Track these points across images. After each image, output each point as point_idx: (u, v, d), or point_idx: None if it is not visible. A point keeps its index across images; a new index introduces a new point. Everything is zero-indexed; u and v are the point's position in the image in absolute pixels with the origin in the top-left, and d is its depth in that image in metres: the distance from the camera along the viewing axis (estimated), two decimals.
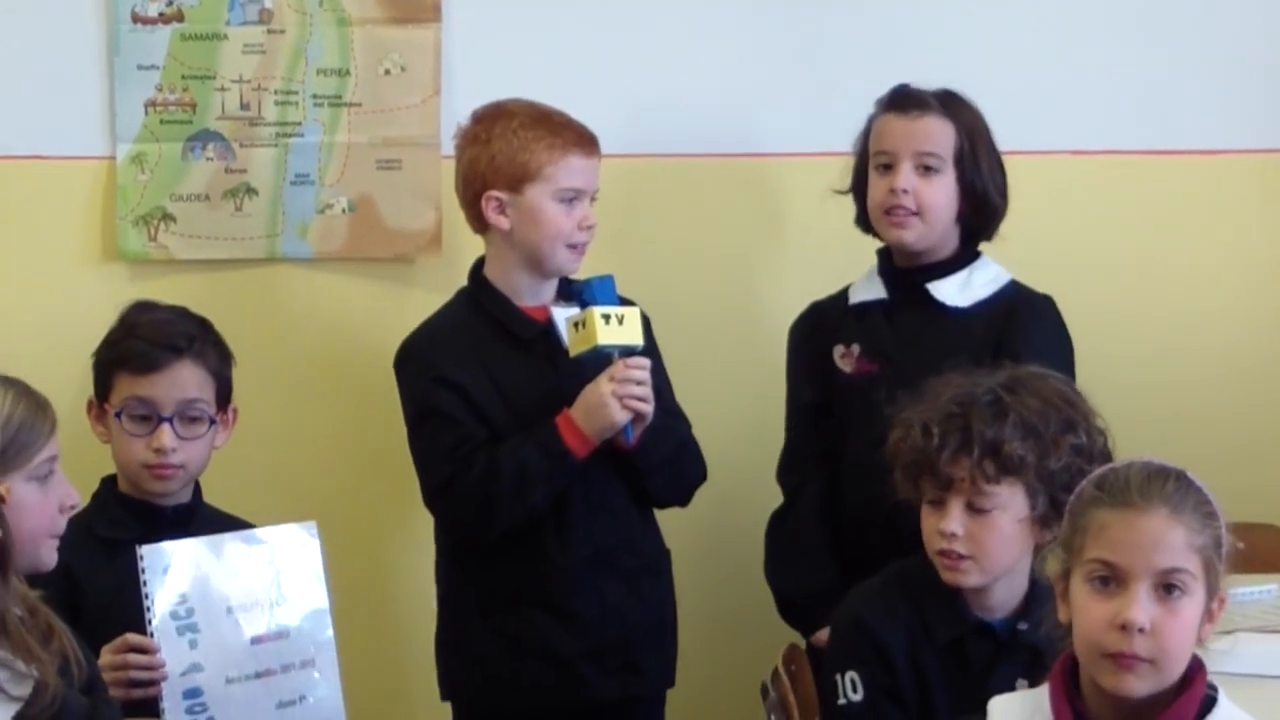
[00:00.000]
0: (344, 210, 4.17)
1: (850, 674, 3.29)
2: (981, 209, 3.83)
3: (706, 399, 4.01)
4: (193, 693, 3.33)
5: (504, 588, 3.70)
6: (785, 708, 3.48)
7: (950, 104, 3.82)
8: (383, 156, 4.15)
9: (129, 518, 3.56)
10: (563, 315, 3.71)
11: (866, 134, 3.88)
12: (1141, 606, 2.69)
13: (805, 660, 3.60)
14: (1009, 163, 3.86)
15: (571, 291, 3.74)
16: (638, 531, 3.78)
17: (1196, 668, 2.74)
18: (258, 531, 3.51)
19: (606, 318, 3.61)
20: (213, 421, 3.59)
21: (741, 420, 4.21)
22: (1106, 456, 3.23)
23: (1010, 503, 3.23)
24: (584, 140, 3.73)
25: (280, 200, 4.15)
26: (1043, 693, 2.81)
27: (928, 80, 3.85)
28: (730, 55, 4.24)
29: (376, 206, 4.17)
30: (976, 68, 4.07)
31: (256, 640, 3.41)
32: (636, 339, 3.64)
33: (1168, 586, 2.70)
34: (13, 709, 2.55)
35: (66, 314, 4.04)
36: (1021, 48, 4.28)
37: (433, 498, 3.73)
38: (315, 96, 4.15)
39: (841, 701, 3.29)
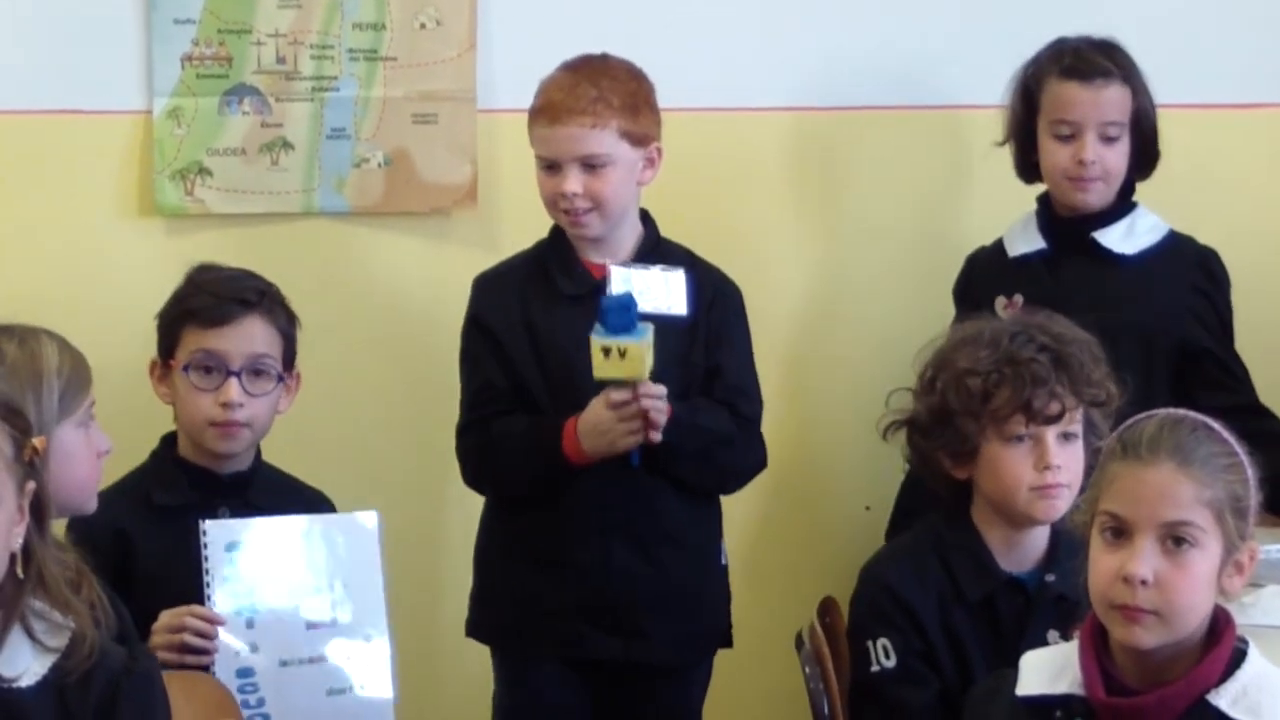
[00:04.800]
0: (380, 164, 4.17)
1: (881, 640, 3.28)
2: (1149, 163, 3.95)
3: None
4: (245, 672, 3.33)
5: (519, 538, 3.71)
6: (819, 659, 3.49)
7: (1123, 64, 3.89)
8: (418, 111, 4.15)
9: (185, 484, 3.53)
10: (621, 275, 3.63)
11: (1028, 89, 3.94)
12: (1144, 559, 2.69)
13: (840, 613, 3.61)
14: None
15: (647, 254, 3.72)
16: (660, 499, 3.71)
17: (1225, 621, 2.74)
18: (319, 518, 3.49)
19: (606, 351, 3.51)
20: (280, 379, 3.57)
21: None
22: None
23: (1081, 430, 3.27)
24: (552, 108, 3.64)
25: (316, 154, 4.15)
26: (1073, 648, 2.81)
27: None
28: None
29: (412, 160, 4.17)
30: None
31: (312, 626, 3.39)
32: (636, 372, 3.52)
33: (1176, 539, 2.70)
34: (50, 660, 2.57)
35: (104, 268, 4.06)
36: None
37: (456, 437, 3.76)
38: (351, 50, 4.15)
39: (875, 669, 3.28)
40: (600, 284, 3.67)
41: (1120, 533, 2.73)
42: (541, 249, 3.78)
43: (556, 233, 3.76)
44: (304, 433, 4.06)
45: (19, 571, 2.57)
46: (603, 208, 3.66)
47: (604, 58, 3.74)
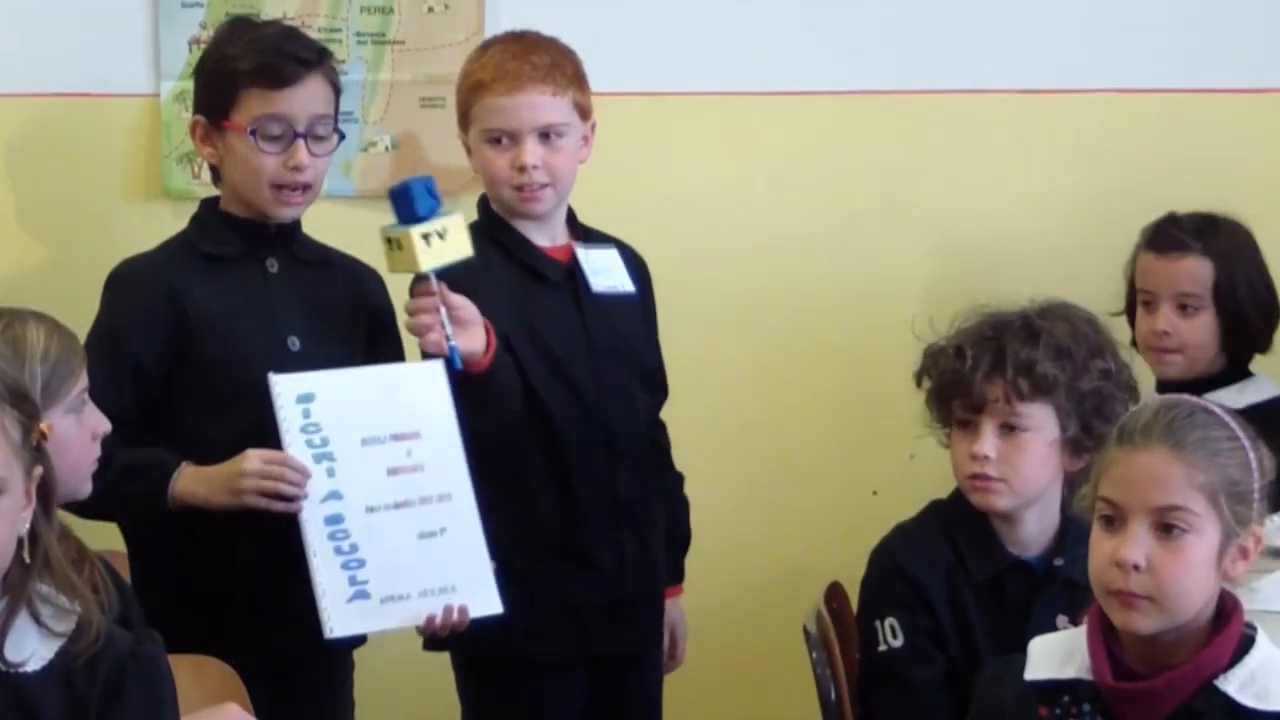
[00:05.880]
0: (387, 148, 4.18)
1: (889, 620, 3.31)
2: (1242, 333, 3.94)
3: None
4: (334, 519, 3.30)
5: (522, 531, 3.56)
6: (826, 645, 3.49)
7: (1208, 237, 3.92)
8: (426, 94, 4.15)
9: (232, 235, 3.50)
10: (583, 255, 3.64)
11: (1134, 263, 4.01)
12: (1136, 544, 2.70)
13: (847, 599, 3.61)
14: None
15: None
16: (650, 485, 3.71)
17: (1233, 607, 2.74)
18: (387, 368, 3.45)
19: (389, 241, 3.41)
20: (342, 137, 3.56)
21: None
22: (1132, 387, 3.30)
23: (1042, 424, 3.28)
24: (504, 75, 3.56)
25: None
26: (1081, 633, 2.81)
27: None
28: None
29: (420, 144, 4.17)
30: None
31: (393, 471, 3.35)
32: (410, 265, 3.40)
33: (1167, 525, 2.70)
34: (56, 644, 2.57)
35: (111, 251, 4.02)
36: None
37: None
38: (359, 34, 4.16)
39: (882, 648, 3.31)
40: (570, 268, 3.64)
41: (1115, 518, 2.74)
42: (492, 238, 3.63)
43: (494, 217, 3.66)
44: None
45: (25, 556, 2.57)
46: (558, 182, 3.60)
47: (533, 31, 3.68)
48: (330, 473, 3.31)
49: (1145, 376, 3.87)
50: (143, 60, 4.10)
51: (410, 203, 3.39)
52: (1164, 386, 3.94)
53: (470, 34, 4.14)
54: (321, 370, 3.39)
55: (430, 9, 4.17)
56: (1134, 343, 4.01)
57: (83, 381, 2.98)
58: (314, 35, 4.04)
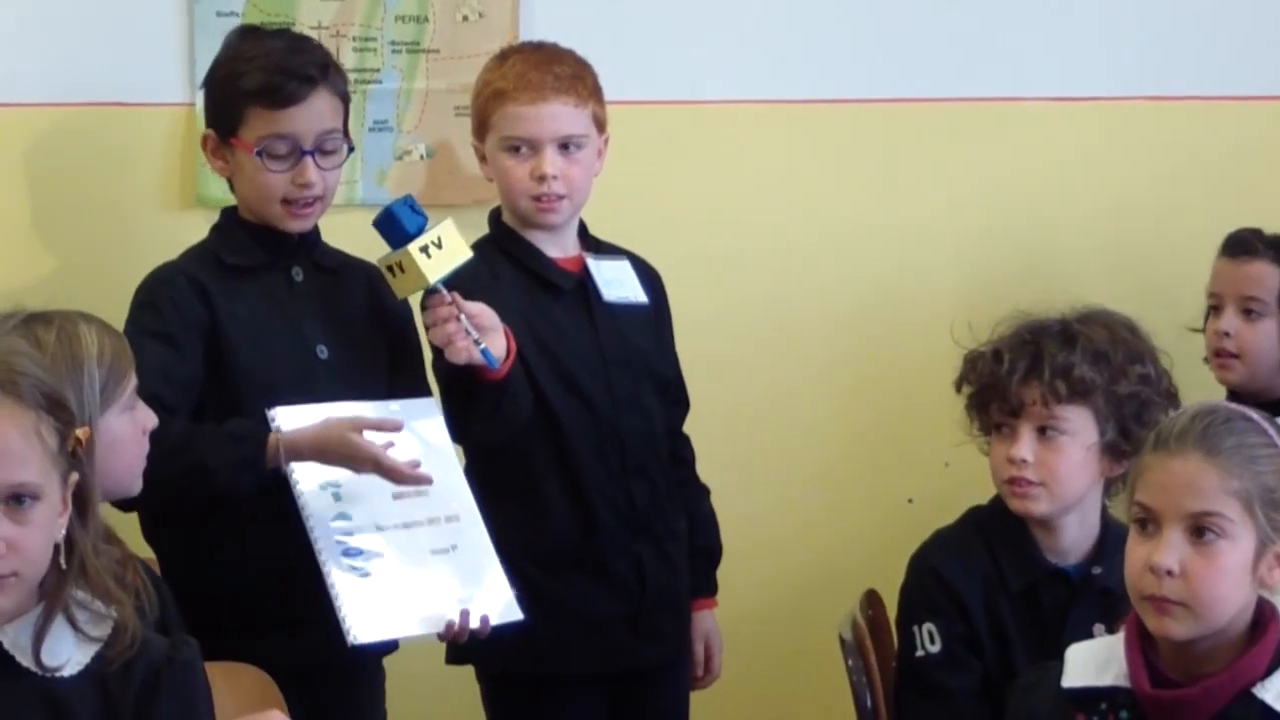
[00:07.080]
0: (422, 157, 4.18)
1: (927, 625, 3.31)
2: None
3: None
4: (345, 534, 3.31)
5: (540, 543, 3.57)
6: (862, 652, 3.49)
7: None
8: (461, 103, 4.14)
9: (255, 245, 3.52)
10: (597, 265, 3.64)
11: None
12: (1170, 549, 2.69)
13: (883, 606, 3.61)
14: None
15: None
16: (666, 496, 3.70)
17: (1270, 614, 2.73)
18: (384, 403, 3.44)
19: (390, 269, 3.41)
20: (350, 149, 3.55)
21: None
22: (1172, 394, 3.28)
23: (1080, 428, 3.28)
24: (527, 85, 3.58)
25: (359, 147, 4.13)
26: (1118, 640, 2.81)
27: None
28: None
29: (454, 153, 4.17)
30: None
31: (398, 495, 3.36)
32: (420, 283, 3.39)
33: (1201, 530, 2.69)
34: (92, 649, 2.58)
35: (146, 260, 4.04)
36: None
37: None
38: (393, 43, 4.16)
39: (920, 654, 3.31)
40: (581, 278, 3.64)
41: (1150, 523, 2.73)
42: (503, 251, 3.65)
43: (505, 229, 3.67)
44: None
45: (61, 562, 2.58)
46: (574, 194, 3.61)
47: (550, 42, 3.69)
48: (337, 497, 3.33)
49: (1205, 392, 3.85)
50: (178, 69, 4.10)
51: (398, 225, 3.40)
52: (1233, 399, 3.91)
53: (504, 43, 4.13)
54: (317, 403, 3.37)
55: (465, 18, 4.17)
56: (1207, 360, 4.01)
57: (133, 379, 3.00)
58: (349, 44, 4.11)
